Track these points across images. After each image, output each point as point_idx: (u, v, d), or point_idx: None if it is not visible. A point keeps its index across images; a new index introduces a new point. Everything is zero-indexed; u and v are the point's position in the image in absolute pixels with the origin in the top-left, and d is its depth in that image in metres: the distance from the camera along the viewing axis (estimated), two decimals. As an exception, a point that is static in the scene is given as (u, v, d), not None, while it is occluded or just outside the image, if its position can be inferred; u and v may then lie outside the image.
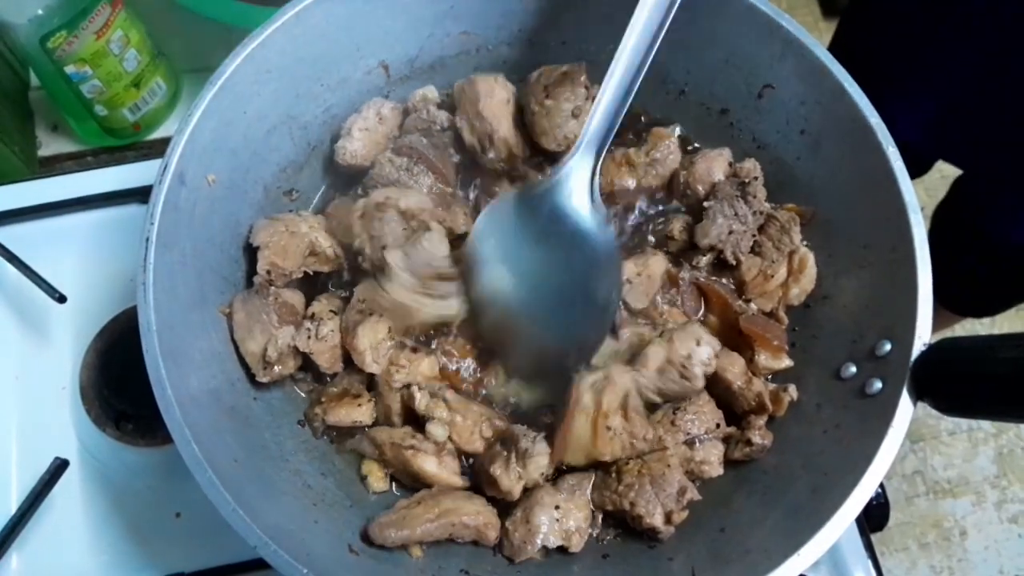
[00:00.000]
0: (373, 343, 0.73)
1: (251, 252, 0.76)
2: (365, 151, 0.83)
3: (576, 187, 0.72)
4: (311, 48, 0.77)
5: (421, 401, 0.72)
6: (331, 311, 0.76)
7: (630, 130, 0.87)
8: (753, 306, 0.80)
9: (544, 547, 0.69)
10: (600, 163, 0.73)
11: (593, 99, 0.81)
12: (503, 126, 0.82)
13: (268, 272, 0.74)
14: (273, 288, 0.75)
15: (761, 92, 0.81)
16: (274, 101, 0.77)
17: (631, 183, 0.85)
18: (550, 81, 0.81)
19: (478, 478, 0.73)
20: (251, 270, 0.76)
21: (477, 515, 0.70)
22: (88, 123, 1.03)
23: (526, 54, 0.87)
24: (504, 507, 0.72)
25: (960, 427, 1.95)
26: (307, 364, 0.76)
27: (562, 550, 0.71)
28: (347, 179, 0.85)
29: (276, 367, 0.73)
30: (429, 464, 0.71)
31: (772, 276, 0.79)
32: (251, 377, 0.73)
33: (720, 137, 0.85)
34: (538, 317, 0.74)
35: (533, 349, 0.76)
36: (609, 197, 0.84)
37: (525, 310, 0.74)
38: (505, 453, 0.70)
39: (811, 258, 0.79)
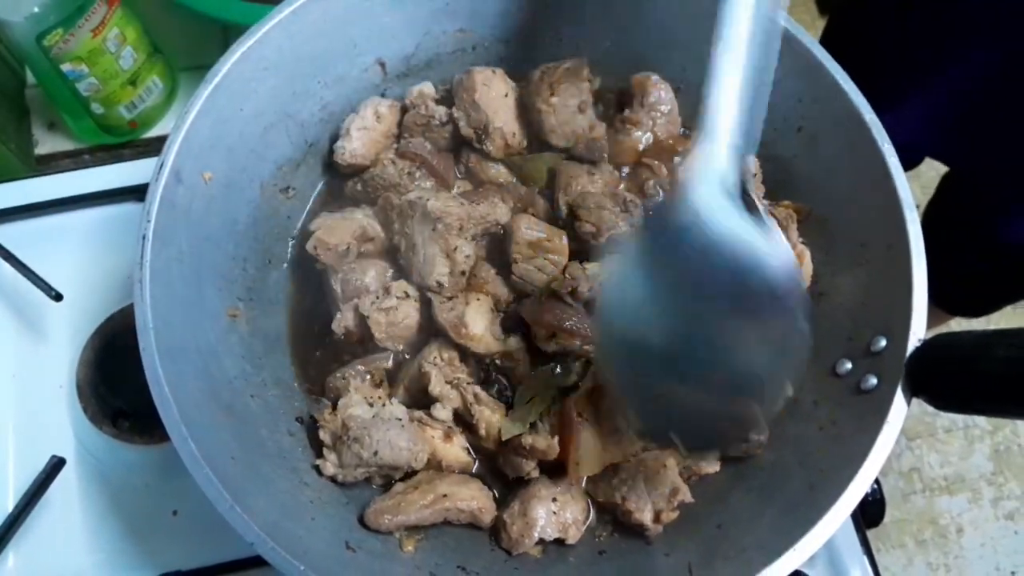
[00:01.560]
0: (486, 326, 0.75)
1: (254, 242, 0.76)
2: (365, 150, 0.83)
3: (711, 190, 0.54)
4: (308, 45, 0.77)
5: (436, 384, 0.73)
6: (406, 292, 0.77)
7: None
8: (749, 303, 0.80)
9: (541, 539, 0.70)
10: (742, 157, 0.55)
11: (595, 93, 0.81)
12: (499, 117, 0.82)
13: (315, 248, 0.76)
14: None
15: (757, 89, 0.81)
16: (271, 98, 0.77)
17: (648, 138, 0.84)
18: (554, 78, 0.81)
19: (506, 459, 0.73)
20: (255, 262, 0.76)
21: (472, 500, 0.71)
22: (84, 121, 1.02)
23: (522, 51, 0.87)
24: (503, 495, 0.73)
25: (956, 424, 1.95)
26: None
27: (559, 542, 0.71)
28: (345, 177, 0.85)
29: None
30: (437, 438, 0.72)
31: (769, 273, 0.79)
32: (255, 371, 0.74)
33: (716, 134, 0.85)
34: (698, 375, 0.59)
35: (701, 413, 0.61)
36: (638, 166, 0.83)
37: (682, 370, 0.59)
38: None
39: (807, 255, 0.79)
